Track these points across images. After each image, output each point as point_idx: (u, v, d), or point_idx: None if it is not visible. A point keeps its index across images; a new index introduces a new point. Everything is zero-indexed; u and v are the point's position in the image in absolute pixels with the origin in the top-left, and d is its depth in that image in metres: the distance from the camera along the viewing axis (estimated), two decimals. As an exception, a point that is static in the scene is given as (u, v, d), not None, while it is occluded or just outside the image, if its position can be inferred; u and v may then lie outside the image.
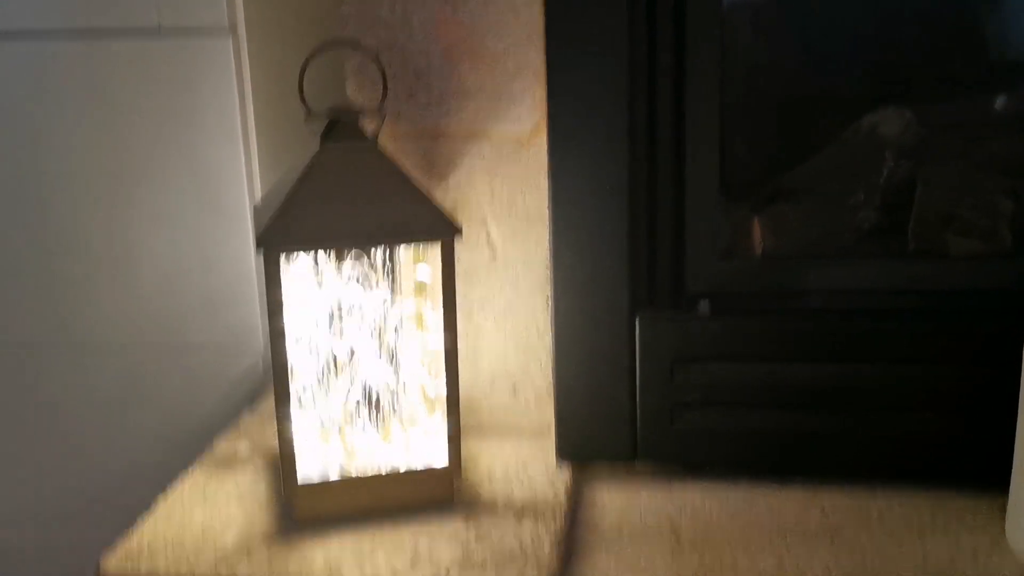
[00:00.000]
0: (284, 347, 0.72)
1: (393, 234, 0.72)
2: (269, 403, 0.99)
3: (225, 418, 1.04)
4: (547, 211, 0.85)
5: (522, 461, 0.87)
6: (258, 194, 1.02)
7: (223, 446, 0.91)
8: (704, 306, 0.83)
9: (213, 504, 0.79)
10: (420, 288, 0.79)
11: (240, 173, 1.01)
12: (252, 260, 1.03)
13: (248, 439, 0.92)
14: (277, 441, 0.74)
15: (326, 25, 1.17)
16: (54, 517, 1.10)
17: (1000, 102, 0.88)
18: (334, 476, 0.77)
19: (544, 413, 0.91)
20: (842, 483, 0.84)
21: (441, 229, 0.73)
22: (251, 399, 1.04)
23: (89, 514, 1.08)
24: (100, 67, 1.00)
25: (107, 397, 1.07)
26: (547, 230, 0.86)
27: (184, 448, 1.07)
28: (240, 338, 1.05)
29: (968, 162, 0.86)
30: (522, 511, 0.78)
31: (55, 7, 0.99)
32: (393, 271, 0.78)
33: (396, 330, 0.78)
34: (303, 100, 0.75)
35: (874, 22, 0.84)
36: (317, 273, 0.75)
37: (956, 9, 0.84)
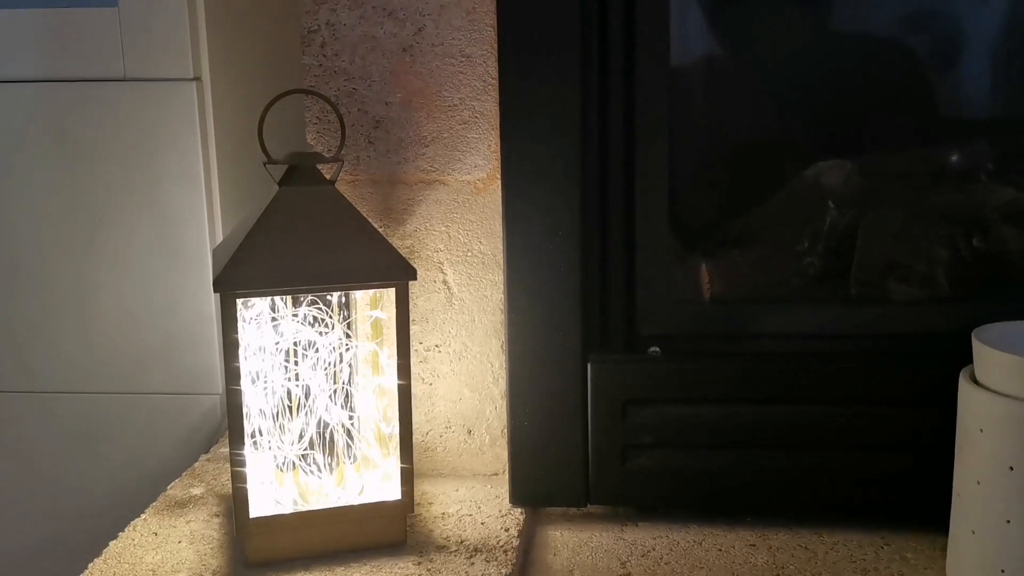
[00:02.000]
0: (239, 387, 0.73)
1: (349, 278, 0.74)
2: (225, 447, 0.99)
3: (183, 463, 1.04)
4: (502, 256, 0.88)
5: (476, 502, 0.87)
6: (219, 238, 1.04)
7: (177, 490, 0.91)
8: (655, 351, 0.85)
9: (164, 546, 0.79)
10: (376, 330, 0.80)
11: (201, 217, 1.03)
12: (212, 303, 1.04)
13: (203, 482, 0.92)
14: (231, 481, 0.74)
15: (289, 75, 1.20)
16: (5, 562, 1.08)
17: (938, 155, 0.91)
18: (287, 512, 0.77)
19: (499, 455, 0.93)
20: (789, 523, 0.86)
21: (397, 273, 0.75)
22: (208, 444, 1.04)
23: (42, 559, 1.07)
24: (63, 111, 1.01)
25: (64, 443, 1.07)
26: (501, 275, 0.88)
27: (140, 494, 1.06)
28: (199, 382, 1.06)
29: (907, 211, 0.89)
30: (474, 551, 0.78)
31: (20, 55, 1.01)
32: (348, 313, 0.79)
33: (351, 372, 0.79)
34: (262, 145, 0.77)
35: (819, 76, 0.88)
36: (274, 315, 0.77)
37: (897, 65, 0.88)
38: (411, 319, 0.81)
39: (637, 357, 0.85)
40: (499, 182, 0.87)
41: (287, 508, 0.78)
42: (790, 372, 0.84)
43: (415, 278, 0.75)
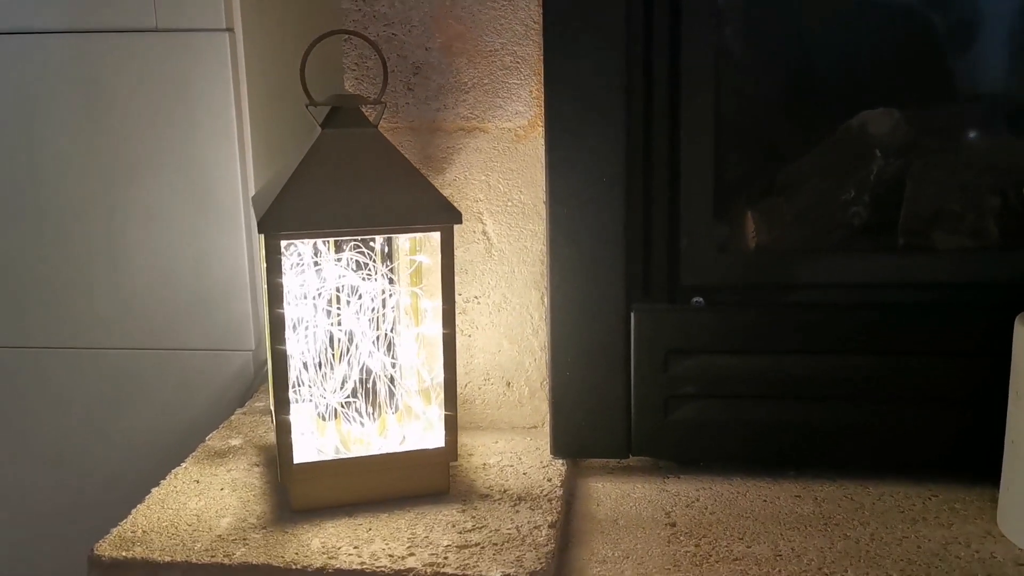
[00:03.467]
0: (283, 333, 0.72)
1: (395, 221, 0.73)
2: (260, 402, 0.99)
3: (215, 420, 1.04)
4: (543, 206, 0.86)
5: (516, 454, 0.87)
6: (251, 192, 1.03)
7: (215, 441, 0.90)
8: (698, 302, 0.84)
9: (207, 493, 0.79)
10: (417, 276, 0.79)
11: (235, 170, 1.01)
12: (245, 257, 1.03)
13: (241, 434, 0.91)
14: (271, 433, 0.73)
15: (322, 25, 1.18)
16: (46, 515, 1.09)
17: (987, 103, 0.89)
18: (330, 459, 0.76)
19: (538, 408, 0.92)
20: (834, 476, 0.85)
21: (442, 216, 0.73)
22: (242, 399, 1.03)
23: (80, 514, 1.07)
24: (94, 62, 1.00)
25: (99, 399, 1.06)
26: (543, 226, 0.87)
27: (175, 449, 1.06)
28: (231, 338, 1.05)
29: (956, 159, 0.88)
30: (518, 500, 0.78)
31: (51, 6, 0.99)
32: (391, 259, 0.78)
33: (394, 319, 0.78)
34: (304, 87, 0.75)
35: (867, 24, 0.86)
36: (316, 260, 0.76)
37: (946, 12, 0.86)
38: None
39: (681, 307, 0.84)
40: (540, 130, 0.86)
41: (323, 456, 0.77)
42: (836, 323, 0.83)
43: (460, 221, 0.74)
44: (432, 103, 0.87)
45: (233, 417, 0.96)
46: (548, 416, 0.90)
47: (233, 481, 0.81)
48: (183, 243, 1.03)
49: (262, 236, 0.71)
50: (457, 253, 0.88)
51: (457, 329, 0.89)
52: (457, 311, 0.89)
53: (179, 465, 0.85)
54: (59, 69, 1.00)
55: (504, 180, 0.88)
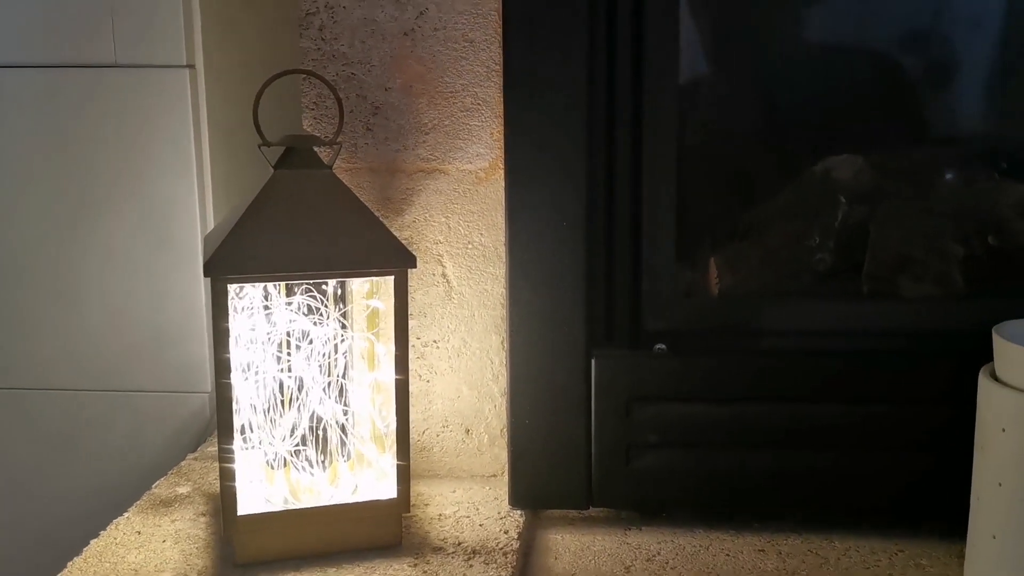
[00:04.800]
0: (229, 378, 0.70)
1: (347, 264, 0.71)
2: (214, 446, 0.96)
3: (169, 463, 1.01)
4: (504, 249, 0.85)
5: (474, 504, 0.84)
6: (210, 229, 1.01)
7: (162, 489, 0.87)
8: (660, 349, 0.82)
9: (148, 546, 0.76)
10: (372, 321, 0.77)
11: (193, 208, 0.99)
12: (202, 298, 1.01)
13: (190, 481, 0.88)
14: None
15: (283, 63, 1.17)
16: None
17: (950, 151, 0.89)
18: (277, 510, 0.74)
19: (497, 456, 0.89)
20: (798, 528, 0.83)
21: (396, 260, 0.72)
22: (197, 443, 1.00)
23: (19, 561, 1.03)
24: (51, 98, 0.98)
25: (44, 443, 1.03)
26: (503, 269, 0.85)
27: (123, 495, 1.02)
28: (187, 380, 1.02)
29: (920, 207, 0.87)
30: (472, 553, 0.75)
31: (7, 40, 0.98)
32: (344, 303, 0.76)
33: (346, 365, 0.76)
34: (257, 126, 0.74)
35: (832, 67, 0.86)
36: (266, 303, 0.73)
37: (909, 60, 0.86)
38: (409, 312, 0.77)
39: (643, 353, 0.82)
40: (501, 171, 0.85)
41: (277, 506, 0.74)
42: (801, 370, 0.81)
43: (415, 266, 0.72)
44: (392, 144, 0.86)
45: (183, 463, 0.93)
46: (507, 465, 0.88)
47: (176, 532, 0.78)
48: (139, 281, 1.00)
49: (209, 282, 0.69)
50: (416, 296, 0.86)
51: (415, 374, 0.88)
52: (415, 355, 0.87)
53: (121, 515, 0.81)
54: (15, 104, 0.98)
55: (464, 222, 0.86)
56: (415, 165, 0.86)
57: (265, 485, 0.76)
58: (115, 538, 0.77)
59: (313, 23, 0.84)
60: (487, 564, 0.73)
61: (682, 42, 0.80)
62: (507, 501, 0.84)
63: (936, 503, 0.80)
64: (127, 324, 1.01)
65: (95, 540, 0.77)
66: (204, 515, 0.81)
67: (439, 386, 0.89)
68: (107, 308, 1.00)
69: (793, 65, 0.86)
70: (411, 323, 0.85)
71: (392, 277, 0.72)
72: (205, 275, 0.68)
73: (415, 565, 0.73)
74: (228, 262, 0.68)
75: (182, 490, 0.86)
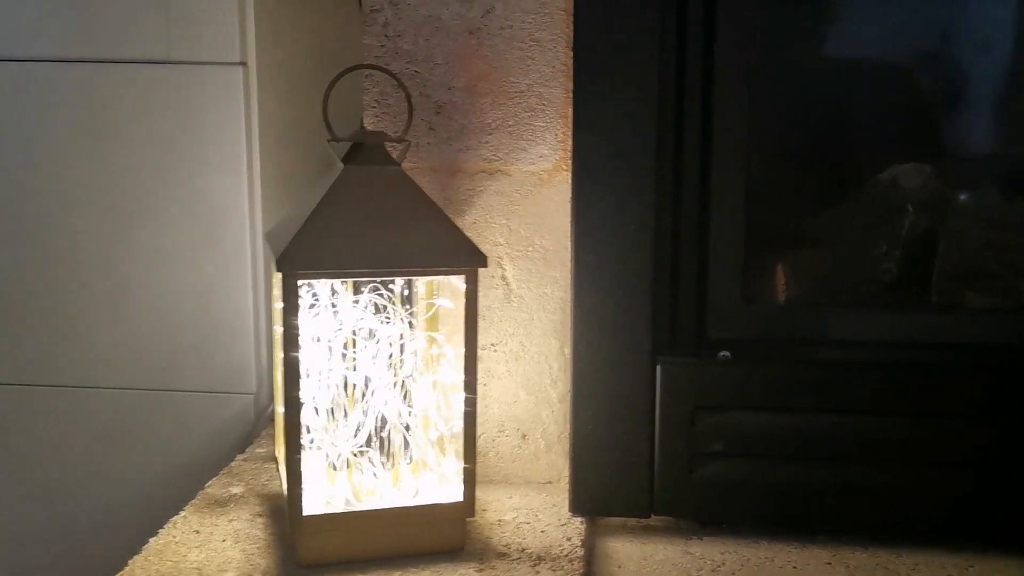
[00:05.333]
0: (298, 377, 0.68)
1: (419, 263, 0.70)
2: (262, 448, 0.94)
3: (211, 463, 1.00)
4: (565, 251, 0.84)
5: (532, 510, 0.83)
6: (259, 231, 1.00)
7: (215, 488, 0.86)
8: (724, 356, 0.81)
9: (208, 545, 0.74)
10: (431, 322, 0.76)
11: (243, 208, 0.98)
12: (250, 298, 1.00)
13: (242, 482, 0.87)
14: (275, 482, 0.69)
15: (337, 60, 1.16)
16: (36, 556, 1.03)
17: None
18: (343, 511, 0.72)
19: (554, 462, 0.88)
20: (864, 542, 0.81)
21: (468, 259, 0.70)
22: (242, 444, 0.99)
23: (71, 556, 1.02)
24: (103, 94, 0.97)
25: (92, 439, 1.02)
26: (563, 272, 0.84)
27: (167, 494, 1.01)
28: (232, 380, 1.01)
29: (989, 218, 0.86)
30: (537, 560, 0.74)
31: (61, 35, 0.97)
32: (410, 302, 0.75)
33: (412, 365, 0.75)
34: (327, 122, 0.73)
35: (901, 75, 0.84)
36: (333, 301, 0.72)
37: (983, 68, 0.85)
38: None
39: (708, 360, 0.81)
40: (565, 173, 0.84)
41: (343, 508, 0.73)
42: (867, 382, 0.80)
43: (486, 265, 0.71)
44: (454, 143, 0.84)
45: (233, 464, 0.92)
46: (565, 471, 0.87)
47: (235, 532, 0.77)
48: (187, 281, 0.99)
49: (280, 275, 0.67)
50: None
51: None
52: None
53: (178, 513, 0.80)
54: (67, 99, 0.97)
55: (525, 224, 0.85)
56: (477, 165, 0.85)
57: (326, 486, 0.75)
58: (174, 536, 0.76)
59: (377, 20, 0.83)
60: (554, 571, 0.72)
61: (754, 48, 0.79)
62: (566, 508, 0.83)
63: (1008, 520, 0.78)
64: (174, 324, 1.00)
65: (154, 538, 0.75)
66: (261, 516, 0.80)
67: (496, 390, 0.87)
68: (154, 307, 0.99)
69: (865, 71, 0.84)
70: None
71: (463, 276, 0.71)
72: (277, 270, 0.67)
73: (481, 570, 0.72)
74: (301, 258, 0.67)
75: (236, 490, 0.85)
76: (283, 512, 0.80)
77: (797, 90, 0.85)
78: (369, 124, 0.85)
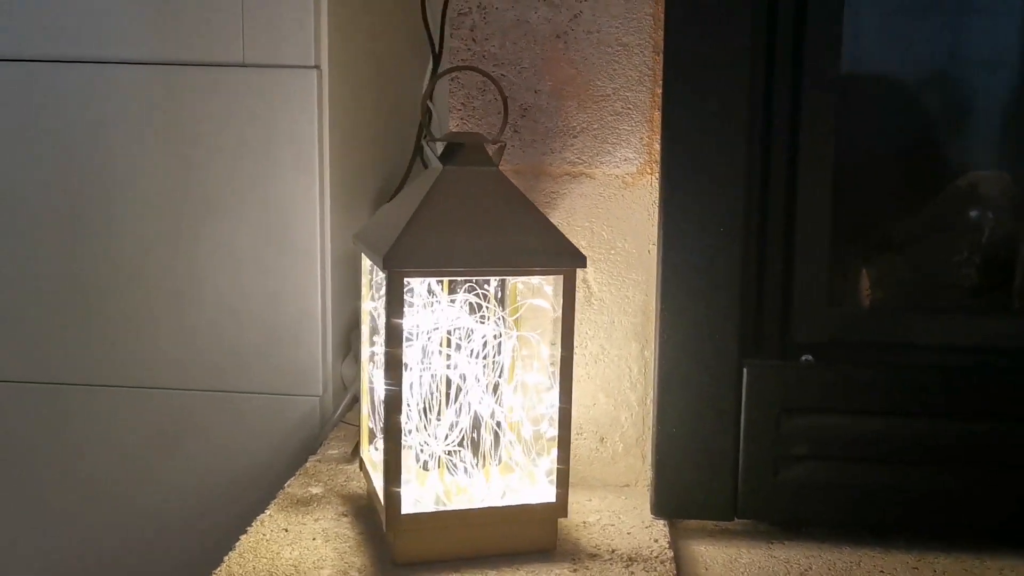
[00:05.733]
0: (400, 374, 0.69)
1: (520, 262, 0.70)
2: (334, 449, 0.95)
3: (278, 465, 1.00)
4: (647, 255, 0.84)
5: (614, 512, 0.83)
6: (329, 233, 1.00)
7: (295, 488, 0.86)
8: (807, 359, 0.81)
9: (299, 543, 0.74)
10: (518, 323, 0.76)
11: (314, 211, 0.99)
12: (318, 299, 1.00)
13: (320, 482, 0.87)
14: (353, 482, 0.69)
15: (408, 64, 1.17)
16: (97, 562, 1.03)
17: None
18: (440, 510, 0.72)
19: (632, 466, 0.88)
20: (946, 547, 0.81)
21: (568, 259, 0.71)
22: (308, 446, 0.99)
23: (130, 557, 1.02)
24: (177, 95, 0.98)
25: (157, 442, 1.02)
26: (645, 275, 0.84)
27: (230, 496, 1.02)
28: (298, 383, 1.01)
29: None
30: (629, 561, 0.74)
31: (137, 37, 0.98)
32: (503, 304, 0.75)
33: (507, 365, 0.75)
34: (426, 122, 0.73)
35: (986, 84, 0.85)
36: (432, 300, 0.73)
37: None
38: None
39: (793, 363, 0.81)
40: (649, 177, 0.84)
41: (428, 507, 0.73)
42: (951, 385, 0.80)
43: (585, 265, 0.71)
44: (538, 146, 0.85)
45: (308, 465, 0.92)
46: (644, 474, 0.87)
47: (324, 531, 0.77)
48: (255, 284, 1.00)
49: (383, 274, 0.68)
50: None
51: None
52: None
53: (263, 512, 0.80)
54: (142, 101, 0.98)
55: (608, 227, 0.86)
56: (561, 168, 0.85)
57: (415, 486, 0.75)
58: (264, 535, 0.76)
59: (464, 23, 0.84)
60: (647, 572, 0.72)
61: (842, 55, 0.80)
62: (646, 510, 0.83)
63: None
64: (241, 325, 1.00)
65: (244, 536, 0.76)
66: (345, 515, 0.80)
67: (575, 393, 0.87)
68: (222, 308, 1.00)
69: (950, 77, 0.85)
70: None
71: (561, 276, 0.71)
72: (384, 268, 0.67)
73: (575, 571, 0.72)
74: (406, 256, 0.67)
75: (315, 490, 0.85)
76: (368, 512, 0.80)
77: (884, 95, 0.85)
78: (454, 126, 0.86)
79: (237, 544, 0.74)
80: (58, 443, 1.03)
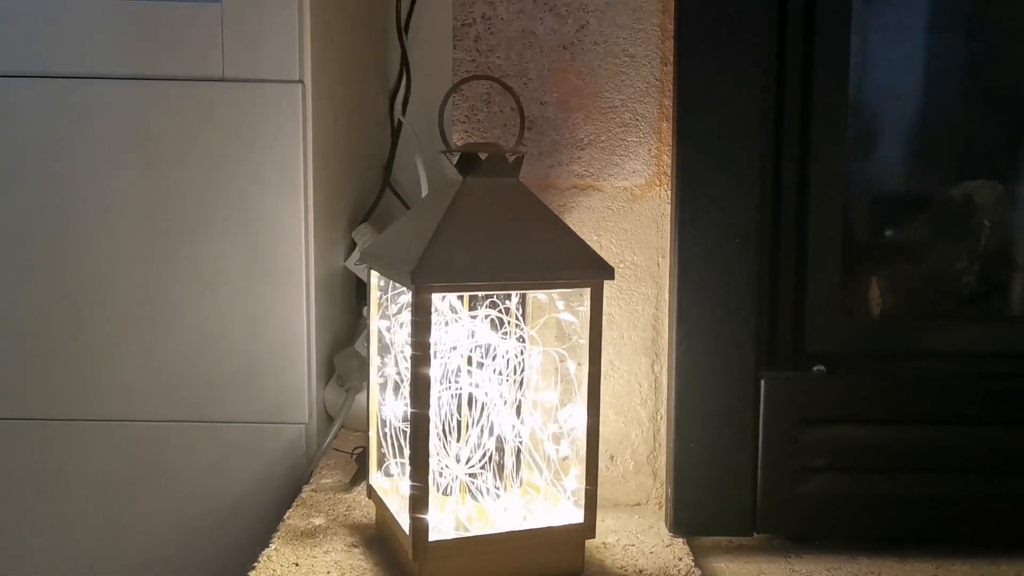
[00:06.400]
0: (428, 395, 0.66)
1: (547, 275, 0.68)
2: (327, 478, 0.90)
3: (262, 497, 0.95)
4: (656, 268, 0.83)
5: (630, 532, 0.81)
6: (313, 250, 0.96)
7: (296, 520, 0.82)
8: (819, 370, 0.81)
9: (315, 577, 0.70)
10: (532, 340, 0.74)
11: (298, 229, 0.95)
12: (303, 322, 0.96)
13: (322, 513, 0.83)
14: (357, 512, 0.66)
15: (388, 78, 1.14)
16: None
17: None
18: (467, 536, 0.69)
19: (643, 484, 0.86)
20: (962, 554, 0.81)
21: (594, 271, 0.69)
22: (295, 476, 0.95)
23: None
24: (153, 111, 0.93)
25: (134, 475, 0.96)
26: (654, 289, 0.83)
27: (210, 531, 0.97)
28: (282, 411, 0.97)
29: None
30: (660, 582, 0.72)
31: (111, 51, 0.93)
32: (524, 319, 0.73)
33: (527, 382, 0.73)
34: (444, 133, 0.71)
35: (995, 95, 0.87)
36: (454, 316, 0.70)
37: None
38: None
39: (809, 374, 0.80)
40: (658, 189, 0.83)
41: (452, 533, 0.70)
42: (965, 393, 0.81)
43: (612, 277, 0.70)
44: (545, 159, 0.83)
45: (304, 495, 0.88)
46: (654, 492, 0.85)
47: (338, 564, 0.73)
48: (234, 307, 0.95)
49: (410, 290, 0.65)
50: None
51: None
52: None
53: (268, 546, 0.76)
54: (120, 117, 0.93)
55: (617, 240, 0.84)
56: (568, 181, 0.84)
57: (434, 512, 0.71)
58: (273, 570, 0.71)
59: (468, 34, 0.82)
60: (681, 592, 0.70)
61: (851, 68, 0.80)
62: (663, 528, 0.81)
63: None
64: (220, 351, 0.95)
65: (253, 572, 0.71)
66: (356, 546, 0.76)
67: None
68: (200, 334, 0.95)
69: (962, 86, 0.86)
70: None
71: (589, 289, 0.69)
72: (411, 284, 0.64)
73: (609, 594, 0.69)
74: (434, 271, 0.65)
75: (318, 521, 0.81)
76: (379, 541, 0.76)
77: (895, 104, 0.86)
78: (458, 139, 0.83)
79: (248, 580, 0.70)
80: (29, 481, 0.96)
